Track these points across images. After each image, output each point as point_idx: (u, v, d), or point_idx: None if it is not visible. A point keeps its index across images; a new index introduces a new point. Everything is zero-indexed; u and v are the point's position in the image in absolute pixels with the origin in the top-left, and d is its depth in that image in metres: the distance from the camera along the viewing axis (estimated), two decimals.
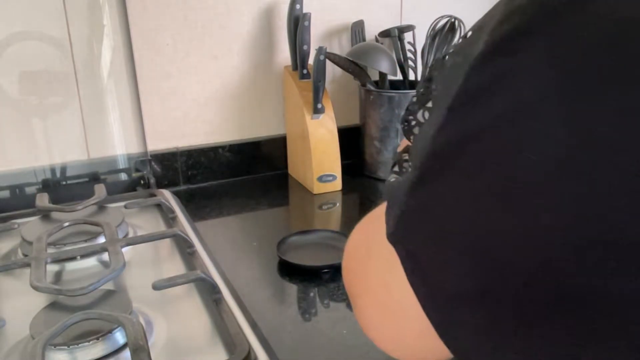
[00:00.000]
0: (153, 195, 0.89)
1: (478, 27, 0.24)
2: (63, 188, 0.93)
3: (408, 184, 0.24)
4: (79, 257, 0.69)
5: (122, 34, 0.93)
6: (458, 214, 0.22)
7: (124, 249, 0.65)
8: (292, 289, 0.68)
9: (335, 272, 0.70)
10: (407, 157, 0.29)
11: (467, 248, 0.21)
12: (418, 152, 0.25)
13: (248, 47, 1.03)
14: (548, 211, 0.19)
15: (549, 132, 0.19)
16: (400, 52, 1.07)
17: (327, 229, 0.80)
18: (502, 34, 0.21)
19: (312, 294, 0.66)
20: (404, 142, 0.33)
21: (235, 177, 1.07)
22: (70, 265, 0.69)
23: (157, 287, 0.57)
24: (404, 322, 0.27)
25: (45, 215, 0.81)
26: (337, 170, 0.99)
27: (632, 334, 0.18)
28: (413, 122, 0.29)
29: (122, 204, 0.85)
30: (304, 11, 0.97)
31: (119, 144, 0.97)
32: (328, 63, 0.99)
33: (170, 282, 0.57)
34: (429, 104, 0.27)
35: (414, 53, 1.08)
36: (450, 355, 0.27)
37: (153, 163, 0.99)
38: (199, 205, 0.95)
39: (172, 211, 0.82)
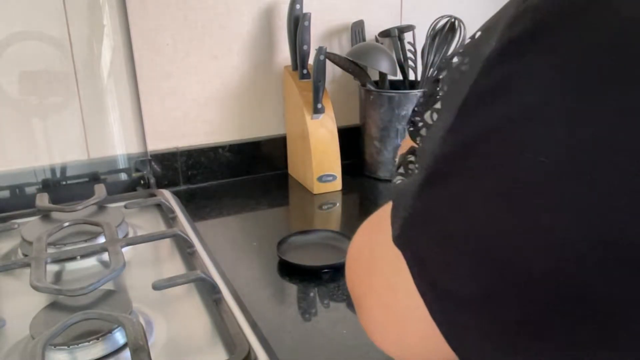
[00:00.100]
0: (153, 195, 0.89)
1: (487, 28, 0.24)
2: (63, 188, 0.93)
3: (415, 187, 0.24)
4: (79, 257, 0.69)
5: (122, 34, 0.93)
6: (464, 216, 0.22)
7: (124, 249, 0.65)
8: (292, 289, 0.68)
9: (335, 272, 0.70)
10: (412, 159, 0.29)
11: (472, 250, 0.21)
12: (426, 154, 0.24)
13: (248, 47, 1.03)
14: (548, 211, 0.19)
15: (549, 133, 0.19)
16: (400, 52, 1.07)
17: (327, 229, 0.80)
18: (511, 35, 0.21)
19: (312, 294, 0.66)
20: (405, 143, 0.33)
21: (235, 177, 1.07)
22: (70, 265, 0.69)
23: (157, 287, 0.57)
24: (409, 324, 0.27)
25: (45, 215, 0.81)
26: (337, 170, 0.99)
27: (634, 334, 0.18)
28: (420, 124, 0.28)
29: (122, 204, 0.85)
30: (304, 11, 0.97)
31: (119, 144, 0.97)
32: (328, 63, 0.99)
33: (170, 282, 0.57)
34: (437, 105, 0.27)
35: (414, 53, 1.08)
36: (454, 358, 0.27)
37: (153, 163, 0.99)
38: (199, 205, 0.95)
39: (172, 211, 0.82)
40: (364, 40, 1.08)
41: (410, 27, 1.08)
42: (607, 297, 0.18)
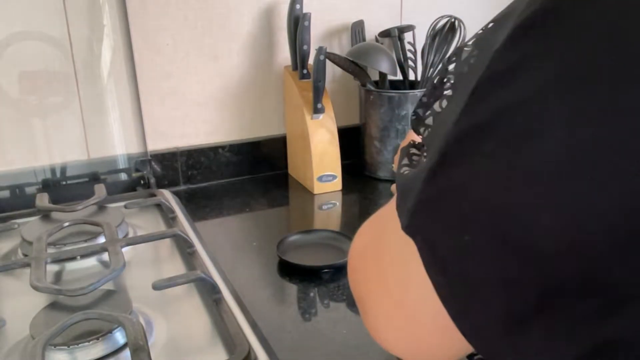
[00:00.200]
0: (153, 195, 0.89)
1: (499, 18, 0.24)
2: (63, 188, 0.93)
3: (425, 172, 0.24)
4: (79, 257, 0.69)
5: (122, 34, 0.93)
6: (479, 197, 0.22)
7: (124, 249, 0.65)
8: (292, 289, 0.68)
9: (335, 272, 0.70)
10: (414, 151, 0.29)
11: (488, 231, 0.21)
12: (436, 139, 0.24)
13: (248, 47, 1.03)
14: (566, 188, 0.19)
15: (561, 111, 0.19)
16: (400, 52, 1.07)
17: (327, 229, 0.80)
18: (526, 15, 0.21)
19: (312, 294, 0.66)
20: (406, 140, 0.33)
21: (235, 177, 1.07)
22: (70, 265, 0.69)
23: (157, 287, 0.57)
24: (420, 319, 0.27)
25: (45, 215, 0.81)
26: (337, 170, 0.99)
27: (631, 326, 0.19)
28: (427, 113, 0.28)
29: (122, 204, 0.85)
30: (304, 11, 0.97)
31: (119, 144, 0.97)
32: (328, 63, 0.99)
33: (170, 282, 0.57)
34: (448, 92, 0.27)
35: (414, 53, 1.08)
36: (465, 353, 0.27)
37: (153, 163, 0.99)
38: (199, 205, 0.95)
39: (172, 211, 0.82)
40: (364, 40, 1.08)
41: (410, 27, 1.08)
42: (614, 279, 0.19)
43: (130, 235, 0.77)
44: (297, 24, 0.97)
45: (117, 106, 0.95)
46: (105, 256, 0.66)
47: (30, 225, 0.77)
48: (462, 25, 1.01)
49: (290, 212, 0.97)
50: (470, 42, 0.26)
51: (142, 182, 0.98)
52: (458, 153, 0.23)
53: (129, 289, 0.64)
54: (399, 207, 0.26)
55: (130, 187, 0.97)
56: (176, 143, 1.02)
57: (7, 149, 0.89)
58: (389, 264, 0.29)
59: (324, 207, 0.95)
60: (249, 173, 1.08)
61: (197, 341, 0.55)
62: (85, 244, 0.71)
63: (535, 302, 0.20)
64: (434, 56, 1.02)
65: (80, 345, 0.51)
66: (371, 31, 1.10)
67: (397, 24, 1.14)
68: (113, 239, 0.67)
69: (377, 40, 1.11)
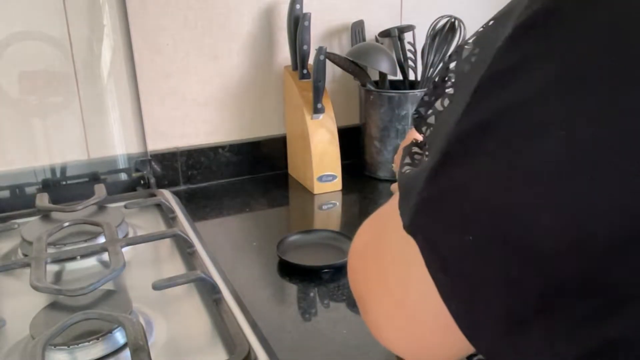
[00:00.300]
0: (153, 195, 0.89)
1: (500, 16, 0.24)
2: (63, 188, 0.93)
3: (427, 171, 0.24)
4: (79, 257, 0.69)
5: (122, 34, 0.93)
6: (481, 196, 0.21)
7: (124, 249, 0.65)
8: (292, 289, 0.68)
9: (335, 272, 0.70)
10: (417, 150, 0.29)
11: (489, 233, 0.21)
12: (438, 139, 0.24)
13: (248, 47, 1.03)
14: (568, 189, 0.19)
15: (564, 111, 0.19)
16: (400, 52, 1.07)
17: (327, 229, 0.80)
18: (526, 16, 0.21)
19: (312, 294, 0.66)
20: (406, 140, 0.32)
21: (235, 177, 1.07)
22: (70, 265, 0.69)
23: (157, 287, 0.57)
24: (421, 318, 0.27)
25: (45, 215, 0.81)
26: (337, 170, 0.99)
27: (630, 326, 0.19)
28: (429, 112, 0.28)
29: (122, 204, 0.85)
30: (304, 11, 0.97)
31: (119, 144, 0.97)
32: (328, 63, 0.99)
33: (170, 282, 0.57)
34: (450, 91, 0.27)
35: (414, 53, 1.08)
36: (466, 353, 0.27)
37: (153, 163, 0.99)
38: (199, 205, 0.95)
39: (172, 211, 0.82)
40: (364, 40, 1.08)
41: (410, 27, 1.08)
42: (614, 279, 0.19)
43: (130, 235, 0.77)
44: (297, 24, 0.97)
45: (117, 106, 0.95)
46: (105, 256, 0.66)
47: (30, 225, 0.77)
48: (462, 25, 1.01)
49: (290, 212, 0.97)
50: (471, 40, 0.26)
51: (142, 182, 0.98)
52: (460, 153, 0.23)
53: (129, 289, 0.64)
54: (400, 206, 0.26)
55: (130, 187, 0.97)
56: (176, 143, 1.02)
57: (7, 149, 0.89)
58: (389, 263, 0.29)
59: (324, 207, 0.95)
60: (249, 173, 1.08)
61: (197, 341, 0.55)
62: (85, 244, 0.71)
63: (536, 302, 0.20)
64: (434, 56, 1.02)
65: (80, 345, 0.51)
66: (371, 31, 1.10)
67: (397, 24, 1.14)
68: (113, 239, 0.67)
69: (377, 40, 1.11)
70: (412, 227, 0.25)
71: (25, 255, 0.71)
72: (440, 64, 1.01)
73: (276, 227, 0.88)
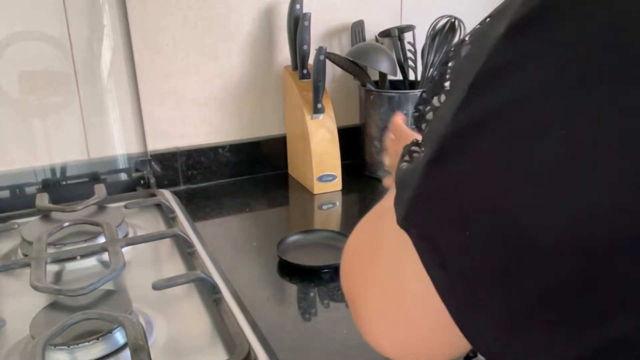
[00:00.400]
0: (153, 195, 0.89)
1: (497, 13, 0.24)
2: (63, 188, 0.93)
3: (422, 167, 0.24)
4: (79, 257, 0.69)
5: (122, 34, 0.93)
6: (477, 192, 0.21)
7: (124, 249, 0.65)
8: (292, 289, 0.68)
9: (335, 272, 0.70)
10: (415, 148, 0.29)
11: (488, 233, 0.21)
12: (435, 134, 0.24)
13: (248, 47, 1.03)
14: (566, 186, 0.19)
15: (564, 107, 0.19)
16: (400, 52, 1.07)
17: (327, 229, 0.80)
18: (523, 13, 0.21)
19: (312, 294, 0.66)
20: (400, 139, 0.32)
21: (235, 177, 1.07)
22: (70, 265, 0.69)
23: (157, 287, 0.57)
24: (417, 316, 0.27)
25: (45, 215, 0.81)
26: (337, 170, 0.99)
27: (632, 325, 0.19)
28: (427, 108, 0.28)
29: (122, 204, 0.85)
30: (304, 11, 0.97)
31: (119, 144, 0.97)
32: (328, 63, 0.99)
33: (170, 282, 0.57)
34: (446, 85, 0.27)
35: (414, 53, 1.08)
36: (462, 351, 0.27)
37: (153, 163, 0.99)
38: (199, 205, 0.95)
39: (172, 211, 0.82)
40: (364, 40, 1.08)
41: (410, 27, 1.08)
42: (614, 279, 0.19)
43: (130, 235, 0.77)
44: (297, 24, 0.97)
45: (117, 106, 0.95)
46: (105, 256, 0.66)
47: (30, 225, 0.77)
48: (462, 25, 1.01)
49: (290, 212, 0.97)
50: (467, 37, 0.26)
51: (142, 182, 0.98)
52: (456, 149, 0.23)
53: (129, 289, 0.64)
54: (396, 201, 0.26)
55: (130, 187, 0.97)
56: (176, 143, 1.02)
57: (7, 149, 0.89)
58: (385, 263, 0.29)
59: (324, 207, 0.95)
60: (249, 173, 1.08)
61: (197, 341, 0.55)
62: (85, 244, 0.71)
63: (536, 302, 0.20)
64: (434, 56, 1.02)
65: (80, 345, 0.51)
66: (371, 31, 1.10)
67: (397, 24, 1.14)
68: (113, 239, 0.67)
69: (377, 40, 1.11)
70: (406, 221, 0.25)
71: (25, 255, 0.71)
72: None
73: (276, 227, 0.88)
